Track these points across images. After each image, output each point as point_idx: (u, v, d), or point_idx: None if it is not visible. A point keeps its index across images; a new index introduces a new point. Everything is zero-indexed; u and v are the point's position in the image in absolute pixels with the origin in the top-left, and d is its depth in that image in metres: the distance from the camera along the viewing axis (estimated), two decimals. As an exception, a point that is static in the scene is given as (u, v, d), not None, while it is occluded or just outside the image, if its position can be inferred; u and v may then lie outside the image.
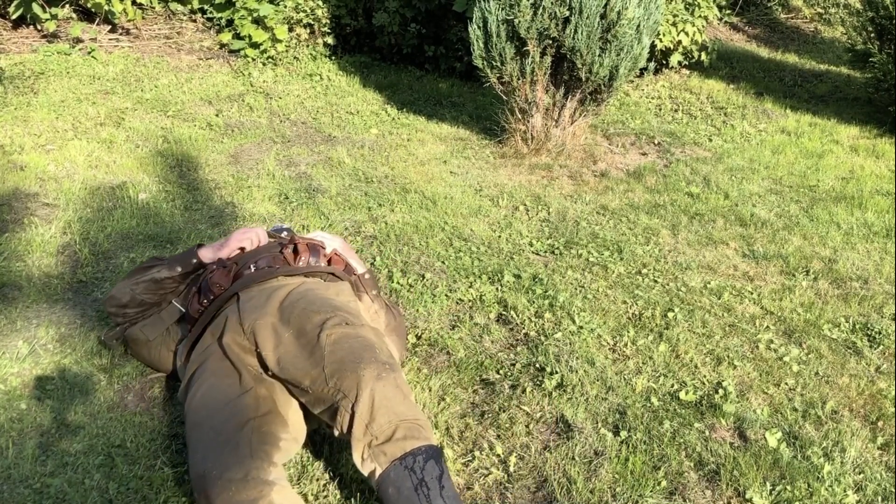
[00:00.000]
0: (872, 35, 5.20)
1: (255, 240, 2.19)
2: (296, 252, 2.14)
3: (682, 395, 2.19)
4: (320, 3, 5.41)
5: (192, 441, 1.70)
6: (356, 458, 1.65)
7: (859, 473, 1.93)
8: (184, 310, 2.11)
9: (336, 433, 1.69)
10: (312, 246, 2.17)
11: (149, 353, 2.14)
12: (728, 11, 7.22)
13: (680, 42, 5.52)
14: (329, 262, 2.19)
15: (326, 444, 1.91)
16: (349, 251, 2.27)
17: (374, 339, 1.80)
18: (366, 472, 1.64)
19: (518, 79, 3.96)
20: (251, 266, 2.07)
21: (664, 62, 5.73)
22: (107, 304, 2.17)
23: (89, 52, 5.03)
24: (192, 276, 2.16)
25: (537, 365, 2.30)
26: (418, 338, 2.42)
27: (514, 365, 2.30)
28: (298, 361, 1.75)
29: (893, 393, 2.27)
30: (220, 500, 1.55)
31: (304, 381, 1.72)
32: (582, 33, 3.70)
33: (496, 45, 3.86)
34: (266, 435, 1.69)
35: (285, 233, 2.39)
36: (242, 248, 2.18)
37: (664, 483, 1.86)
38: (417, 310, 2.57)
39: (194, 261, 2.14)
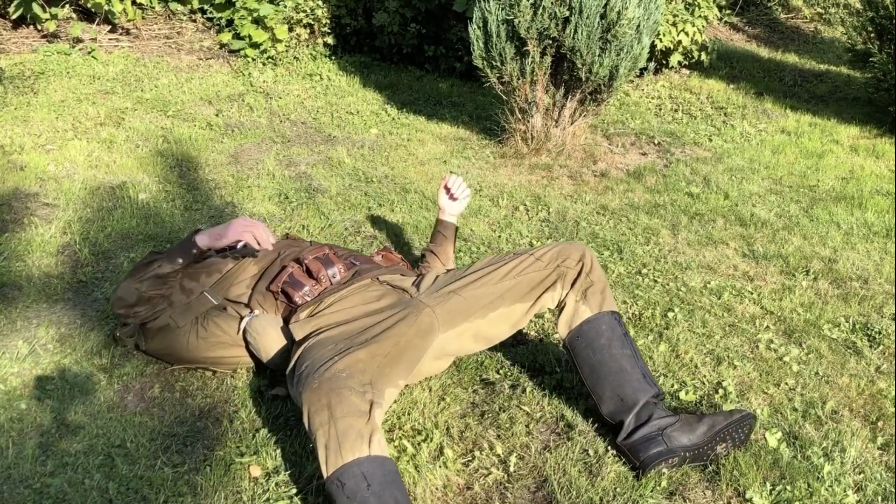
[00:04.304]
0: (872, 35, 5.20)
1: (258, 235, 2.17)
2: (385, 259, 2.40)
3: (682, 394, 2.19)
4: (320, 3, 5.41)
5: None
6: (569, 306, 2.05)
7: (859, 473, 1.93)
8: (216, 302, 2.16)
9: (556, 296, 2.06)
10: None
11: (174, 340, 2.14)
12: (728, 11, 7.22)
13: (680, 42, 5.52)
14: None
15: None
16: None
17: None
18: (578, 316, 2.03)
19: (518, 79, 3.96)
20: (353, 261, 2.25)
21: (664, 62, 5.73)
22: (114, 307, 2.16)
23: (89, 52, 5.03)
24: (194, 264, 2.19)
25: (537, 365, 2.30)
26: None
27: (514, 365, 2.30)
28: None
29: (893, 393, 2.27)
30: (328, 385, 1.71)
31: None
32: (582, 33, 3.71)
33: (496, 45, 3.86)
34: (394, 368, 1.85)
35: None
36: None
37: (664, 483, 1.86)
38: (417, 310, 2.57)
39: (195, 251, 2.16)
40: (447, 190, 2.59)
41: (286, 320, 2.09)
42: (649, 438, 1.88)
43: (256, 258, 2.23)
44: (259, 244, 2.15)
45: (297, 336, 1.97)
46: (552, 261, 2.06)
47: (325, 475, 1.64)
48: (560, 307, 2.07)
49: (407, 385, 2.17)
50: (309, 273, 2.15)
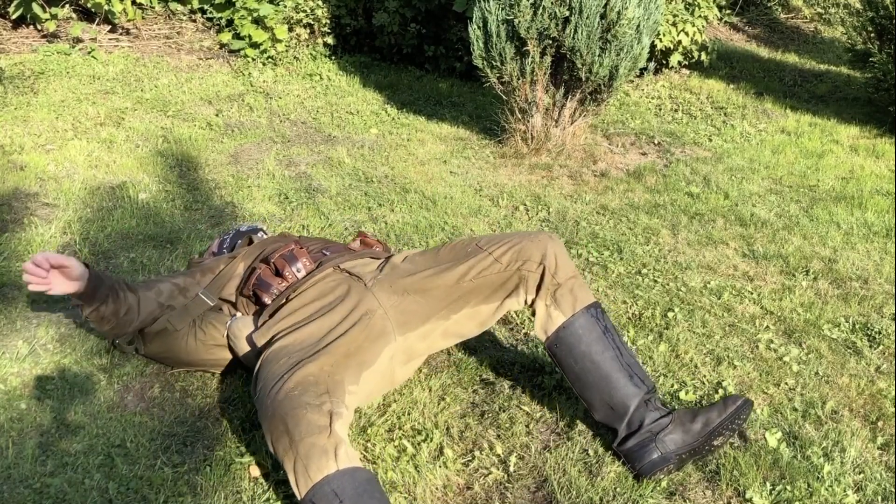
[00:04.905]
0: (872, 35, 5.20)
1: (30, 270, 1.87)
2: (362, 244, 2.36)
3: (682, 394, 2.20)
4: (320, 3, 5.41)
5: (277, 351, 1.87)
6: (540, 312, 1.96)
7: (859, 473, 1.93)
8: (212, 303, 2.15)
9: (520, 300, 1.98)
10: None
11: (173, 344, 2.13)
12: (728, 11, 7.22)
13: (680, 42, 5.52)
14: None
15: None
16: None
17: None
18: (552, 322, 1.95)
19: (518, 79, 3.96)
20: (324, 251, 2.23)
21: (664, 62, 5.73)
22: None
23: (89, 52, 5.03)
24: (103, 294, 2.02)
25: (537, 365, 2.30)
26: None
27: (513, 365, 2.30)
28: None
29: (893, 393, 2.27)
30: (286, 403, 1.70)
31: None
32: (582, 33, 3.71)
33: (496, 45, 3.86)
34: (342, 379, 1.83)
35: (261, 234, 2.49)
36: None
37: (664, 483, 1.86)
38: (417, 310, 2.57)
39: (77, 302, 2.01)
40: None
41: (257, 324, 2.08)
42: (643, 446, 1.86)
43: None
44: (37, 276, 1.89)
45: (259, 344, 1.96)
46: (511, 262, 1.95)
47: (299, 498, 1.63)
48: (532, 311, 2.00)
49: (406, 387, 2.17)
50: (277, 272, 2.12)
